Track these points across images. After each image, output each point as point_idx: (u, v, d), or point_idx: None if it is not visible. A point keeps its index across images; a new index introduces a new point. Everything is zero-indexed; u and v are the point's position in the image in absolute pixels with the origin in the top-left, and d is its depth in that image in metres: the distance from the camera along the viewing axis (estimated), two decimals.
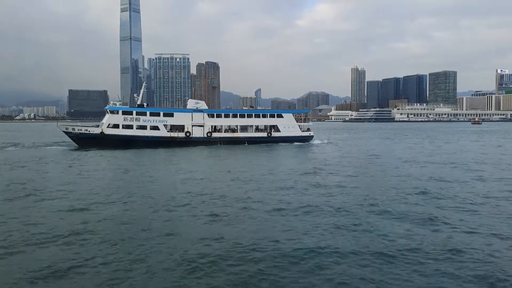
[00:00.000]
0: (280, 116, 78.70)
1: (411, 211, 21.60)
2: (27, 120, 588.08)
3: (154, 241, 16.92)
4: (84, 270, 14.01)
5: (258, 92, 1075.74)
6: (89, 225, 19.35)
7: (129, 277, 13.43)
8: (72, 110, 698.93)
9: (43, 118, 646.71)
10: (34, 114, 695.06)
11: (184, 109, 78.14)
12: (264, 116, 78.60)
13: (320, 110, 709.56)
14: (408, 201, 24.32)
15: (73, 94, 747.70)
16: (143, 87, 79.50)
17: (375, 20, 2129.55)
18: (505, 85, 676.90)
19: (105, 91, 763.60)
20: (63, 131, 72.65)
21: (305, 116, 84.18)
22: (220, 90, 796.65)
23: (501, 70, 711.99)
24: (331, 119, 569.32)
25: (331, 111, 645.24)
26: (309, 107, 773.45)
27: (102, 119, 73.06)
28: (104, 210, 22.51)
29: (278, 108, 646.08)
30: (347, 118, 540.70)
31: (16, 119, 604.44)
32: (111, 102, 75.28)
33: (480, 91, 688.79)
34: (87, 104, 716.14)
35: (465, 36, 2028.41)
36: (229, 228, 18.63)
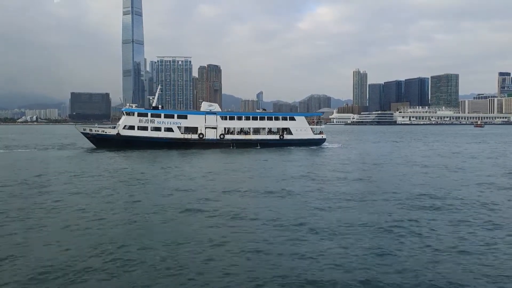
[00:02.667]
0: (292, 119, 79.24)
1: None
2: (29, 123, 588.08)
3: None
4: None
5: (259, 95, 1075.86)
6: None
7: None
8: (74, 113, 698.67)
9: (45, 121, 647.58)
10: (37, 117, 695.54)
11: (198, 111, 78.99)
12: (276, 118, 79.26)
13: (322, 113, 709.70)
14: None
15: (75, 96, 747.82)
16: (158, 90, 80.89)
17: (376, 22, 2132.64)
18: (507, 88, 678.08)
19: (107, 94, 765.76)
20: (81, 132, 74.28)
21: (318, 119, 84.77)
22: (222, 93, 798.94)
23: (504, 75, 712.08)
24: (333, 122, 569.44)
25: (333, 114, 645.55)
26: (311, 110, 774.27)
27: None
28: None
29: (279, 111, 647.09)
30: (349, 121, 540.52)
31: (19, 122, 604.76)
32: (127, 104, 76.48)
33: (482, 94, 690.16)
34: (89, 106, 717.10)
35: (467, 38, 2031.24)
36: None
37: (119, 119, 76.55)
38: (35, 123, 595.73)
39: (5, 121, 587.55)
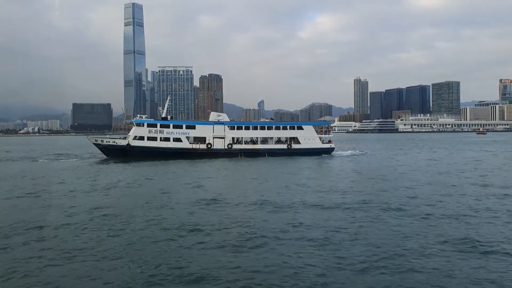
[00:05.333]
0: (300, 128, 79.38)
1: None
2: (31, 134, 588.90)
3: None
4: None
5: (261, 103, 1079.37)
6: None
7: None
8: (76, 124, 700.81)
9: (47, 132, 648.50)
10: (38, 128, 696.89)
11: (206, 122, 79.56)
12: (284, 128, 79.40)
13: (330, 122, 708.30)
14: None
15: (77, 107, 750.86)
16: (167, 101, 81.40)
17: (376, 31, 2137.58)
18: (509, 95, 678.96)
19: (109, 104, 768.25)
20: (93, 143, 75.25)
21: (327, 128, 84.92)
22: (223, 102, 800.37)
23: (505, 82, 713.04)
24: (335, 130, 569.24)
25: (334, 122, 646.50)
26: (312, 118, 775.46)
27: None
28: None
29: (281, 120, 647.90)
30: (350, 129, 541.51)
31: (20, 133, 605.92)
32: (138, 115, 77.35)
33: (484, 101, 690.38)
34: (91, 117, 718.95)
35: (468, 46, 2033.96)
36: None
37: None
38: (37, 134, 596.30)
39: (6, 132, 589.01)
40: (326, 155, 76.86)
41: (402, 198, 29.88)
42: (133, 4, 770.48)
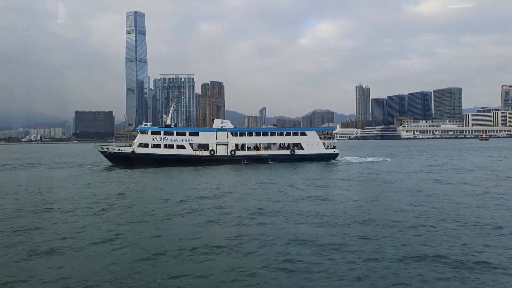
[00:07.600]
0: (303, 134, 79.46)
1: None
2: (33, 142, 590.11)
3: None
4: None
5: (262, 110, 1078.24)
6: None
7: None
8: (78, 132, 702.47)
9: (49, 140, 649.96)
10: (41, 136, 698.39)
11: (209, 128, 79.88)
12: (287, 134, 79.51)
13: (334, 128, 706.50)
14: None
15: (79, 115, 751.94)
16: (172, 108, 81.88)
17: (377, 37, 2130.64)
18: (511, 101, 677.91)
19: (111, 112, 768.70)
20: (99, 151, 75.88)
21: (330, 134, 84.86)
22: (225, 109, 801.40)
23: (508, 88, 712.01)
24: (337, 136, 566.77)
25: (336, 129, 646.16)
26: (314, 125, 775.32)
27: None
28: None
29: (283, 126, 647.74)
30: (352, 136, 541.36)
31: (23, 141, 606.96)
32: (143, 123, 78.39)
33: (486, 108, 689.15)
34: (93, 125, 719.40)
35: (468, 52, 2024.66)
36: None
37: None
38: (39, 142, 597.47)
39: (9, 141, 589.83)
40: (329, 161, 76.74)
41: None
42: (135, 12, 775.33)
